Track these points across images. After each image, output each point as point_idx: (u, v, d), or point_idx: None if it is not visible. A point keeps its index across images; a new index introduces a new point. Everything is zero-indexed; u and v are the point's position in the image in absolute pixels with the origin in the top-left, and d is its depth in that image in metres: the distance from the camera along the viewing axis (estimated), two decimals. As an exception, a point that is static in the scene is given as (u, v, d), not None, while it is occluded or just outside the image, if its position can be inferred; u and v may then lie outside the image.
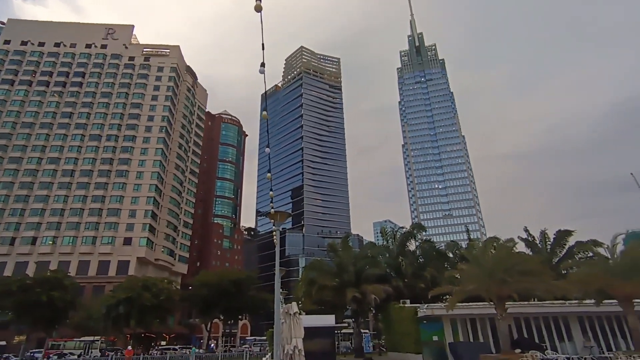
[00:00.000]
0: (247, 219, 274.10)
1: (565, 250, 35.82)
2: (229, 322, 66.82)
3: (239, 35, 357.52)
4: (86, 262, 73.35)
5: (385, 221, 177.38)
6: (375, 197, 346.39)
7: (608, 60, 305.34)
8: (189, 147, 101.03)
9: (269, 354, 27.29)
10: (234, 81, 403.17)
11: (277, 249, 13.27)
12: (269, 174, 14.57)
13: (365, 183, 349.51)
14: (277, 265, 13.91)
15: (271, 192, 16.16)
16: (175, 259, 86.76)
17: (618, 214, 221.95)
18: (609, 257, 25.39)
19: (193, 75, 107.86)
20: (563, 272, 32.41)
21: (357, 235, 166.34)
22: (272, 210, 12.77)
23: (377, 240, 47.54)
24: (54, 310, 46.80)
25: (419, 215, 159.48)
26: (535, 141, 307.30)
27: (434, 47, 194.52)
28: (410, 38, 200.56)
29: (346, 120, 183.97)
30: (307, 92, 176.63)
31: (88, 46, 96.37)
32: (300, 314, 22.28)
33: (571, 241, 35.44)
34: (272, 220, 13.76)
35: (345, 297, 32.67)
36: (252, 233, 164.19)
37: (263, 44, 10.88)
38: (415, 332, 28.23)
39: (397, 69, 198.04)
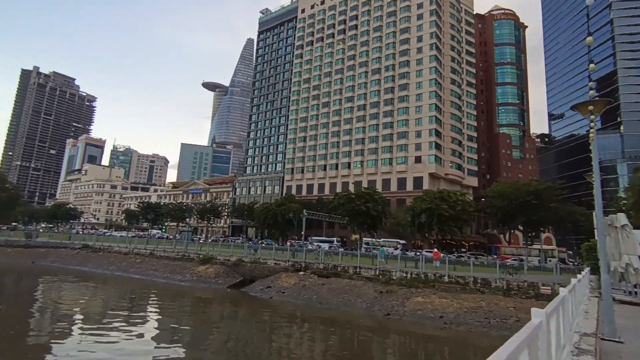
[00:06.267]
0: (538, 126, 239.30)
1: None
2: (530, 234, 62.94)
3: None
4: (387, 180, 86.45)
5: None
6: None
7: None
8: (462, 57, 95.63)
9: (587, 269, 23.87)
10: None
11: (595, 147, 10.18)
12: (589, 38, 9.95)
13: None
14: (595, 166, 11.09)
15: (592, 65, 12.54)
16: (464, 173, 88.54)
17: None
18: None
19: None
20: None
21: None
22: (592, 91, 9.35)
23: None
24: (372, 218, 59.04)
25: None
26: None
27: None
28: None
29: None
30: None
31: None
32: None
33: None
34: (585, 113, 10.12)
35: None
36: (547, 140, 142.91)
37: None
38: None
39: None
